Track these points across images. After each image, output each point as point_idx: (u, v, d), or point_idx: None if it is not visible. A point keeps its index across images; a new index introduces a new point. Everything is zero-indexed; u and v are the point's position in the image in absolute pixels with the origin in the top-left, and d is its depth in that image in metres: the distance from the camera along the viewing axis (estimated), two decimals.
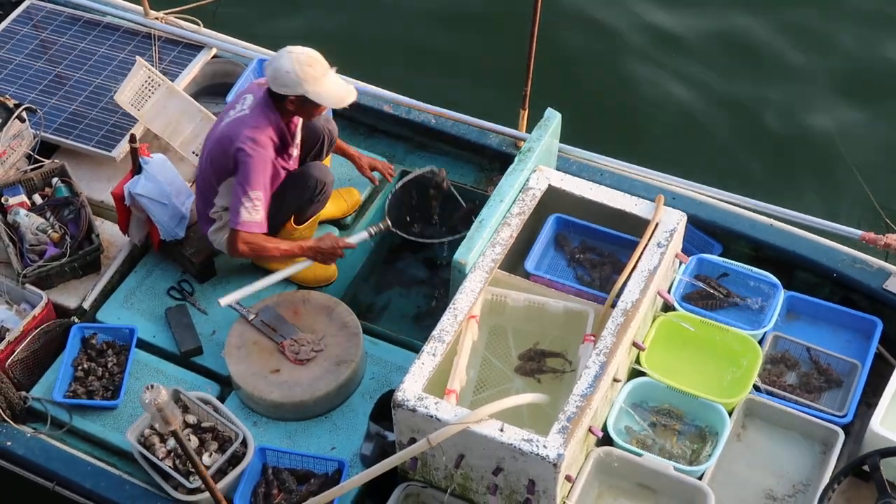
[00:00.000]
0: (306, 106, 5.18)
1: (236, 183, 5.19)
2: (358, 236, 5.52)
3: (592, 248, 5.47)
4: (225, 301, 5.29)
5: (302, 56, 5.06)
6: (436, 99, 6.32)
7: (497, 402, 4.56)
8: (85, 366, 5.37)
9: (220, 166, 5.27)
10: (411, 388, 4.66)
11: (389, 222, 5.57)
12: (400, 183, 5.92)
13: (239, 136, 5.17)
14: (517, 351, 5.13)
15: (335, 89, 5.15)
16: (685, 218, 5.22)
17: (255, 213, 5.20)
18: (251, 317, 5.40)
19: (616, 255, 5.43)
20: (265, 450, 5.03)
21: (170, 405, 3.81)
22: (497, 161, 6.17)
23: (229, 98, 6.12)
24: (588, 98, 7.33)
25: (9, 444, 5.14)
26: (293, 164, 5.41)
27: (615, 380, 4.88)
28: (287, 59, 5.06)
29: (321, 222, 5.79)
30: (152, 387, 3.78)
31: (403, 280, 6.13)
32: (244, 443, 5.00)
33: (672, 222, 5.18)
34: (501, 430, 4.53)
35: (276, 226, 5.41)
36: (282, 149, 5.30)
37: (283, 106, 5.19)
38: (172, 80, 6.25)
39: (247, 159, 5.14)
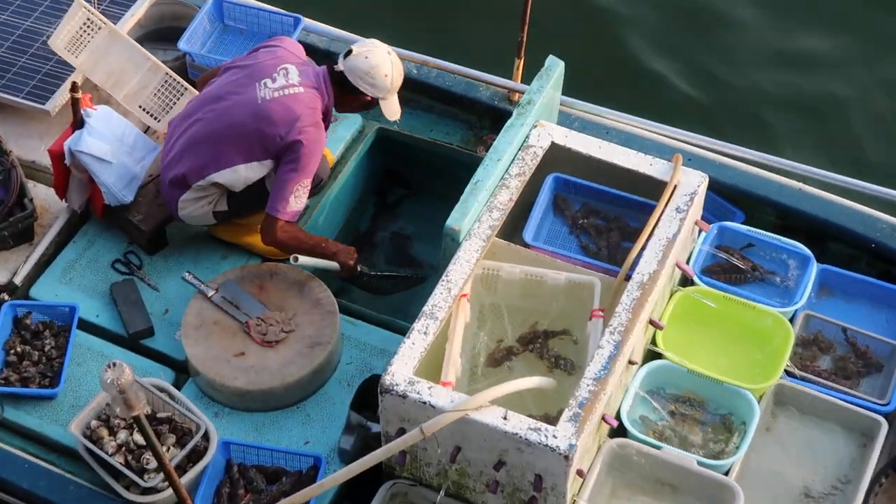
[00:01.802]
0: (369, 107, 5.48)
1: (289, 169, 5.25)
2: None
3: (596, 212, 5.47)
4: (302, 259, 5.36)
5: (399, 64, 5.40)
6: (418, 45, 6.30)
7: (499, 387, 4.54)
8: (18, 349, 5.29)
9: (254, 144, 5.29)
10: (401, 371, 4.63)
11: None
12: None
13: (301, 120, 5.24)
14: (515, 332, 5.13)
15: (397, 103, 5.49)
16: (706, 179, 5.23)
17: (299, 202, 5.32)
18: (210, 293, 5.36)
19: (624, 220, 5.44)
20: (230, 444, 5.00)
21: (133, 386, 3.77)
22: (488, 118, 6.17)
23: (182, 44, 6.07)
24: (590, 46, 7.35)
25: None
26: None
27: (630, 362, 4.89)
28: (387, 63, 5.34)
29: None
30: (114, 364, 3.74)
31: (384, 253, 6.12)
32: (206, 436, 4.95)
33: (692, 184, 5.18)
34: (505, 418, 4.51)
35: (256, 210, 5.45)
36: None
37: (351, 98, 5.41)
38: (114, 24, 6.18)
39: (309, 146, 5.25)
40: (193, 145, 5.38)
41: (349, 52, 5.35)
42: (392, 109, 5.46)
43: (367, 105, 5.47)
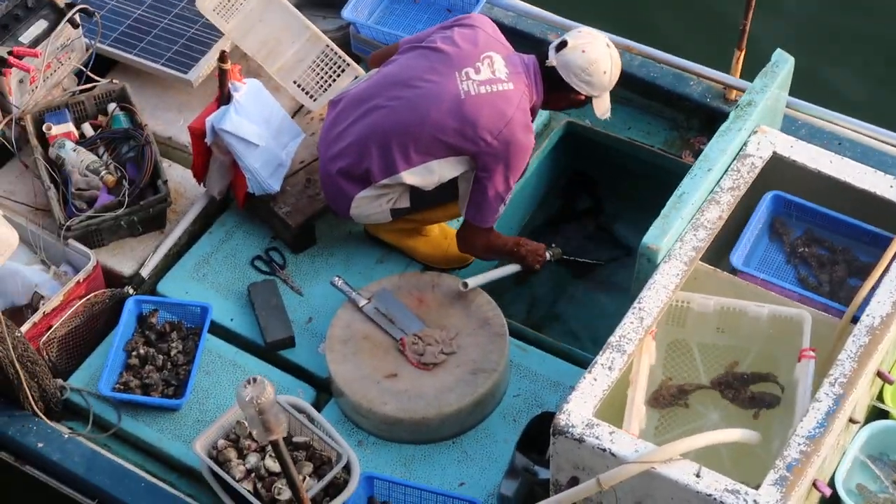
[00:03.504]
0: (579, 105, 5.64)
1: (499, 180, 5.44)
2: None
3: (821, 241, 5.48)
4: (473, 282, 5.58)
5: (618, 59, 5.57)
6: (618, 25, 6.36)
7: (692, 438, 4.59)
8: (141, 351, 5.51)
9: (452, 142, 5.43)
10: (579, 411, 4.70)
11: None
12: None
13: (511, 123, 5.39)
14: (708, 375, 5.17)
15: (609, 100, 5.64)
16: None
17: (502, 208, 5.57)
18: (362, 302, 5.53)
19: (852, 252, 5.43)
20: (373, 478, 5.14)
21: (275, 408, 3.92)
22: (697, 117, 6.24)
23: (346, 13, 6.27)
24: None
25: (40, 445, 5.32)
26: None
27: (851, 420, 4.89)
28: (607, 58, 5.50)
29: None
30: (255, 380, 3.90)
31: (572, 267, 6.25)
32: (347, 467, 5.08)
33: None
34: (698, 476, 4.55)
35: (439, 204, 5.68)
36: None
37: (561, 96, 5.55)
38: None
39: (520, 154, 5.45)
40: (376, 136, 5.48)
41: (563, 45, 5.46)
42: (604, 107, 5.61)
43: (577, 104, 5.60)
